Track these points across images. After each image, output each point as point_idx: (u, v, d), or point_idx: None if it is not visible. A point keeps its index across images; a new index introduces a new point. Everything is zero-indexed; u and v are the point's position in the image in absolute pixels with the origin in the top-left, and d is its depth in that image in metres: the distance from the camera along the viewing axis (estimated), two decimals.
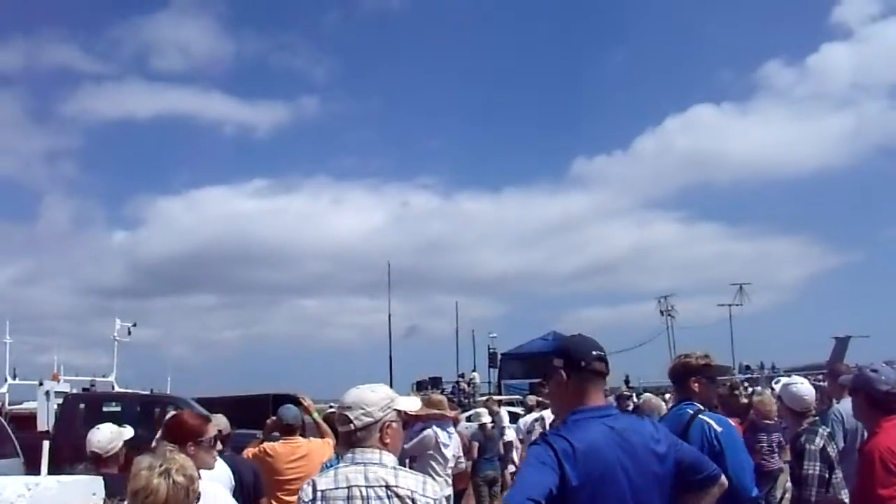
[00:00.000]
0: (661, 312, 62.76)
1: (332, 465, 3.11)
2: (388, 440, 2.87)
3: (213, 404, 13.21)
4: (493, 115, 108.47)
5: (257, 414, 10.38)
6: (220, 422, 5.97)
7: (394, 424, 2.91)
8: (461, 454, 8.51)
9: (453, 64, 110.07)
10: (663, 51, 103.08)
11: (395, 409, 2.94)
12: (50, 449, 5.06)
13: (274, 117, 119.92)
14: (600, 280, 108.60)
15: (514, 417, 15.17)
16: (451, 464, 7.31)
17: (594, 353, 2.79)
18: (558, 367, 2.78)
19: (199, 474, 2.81)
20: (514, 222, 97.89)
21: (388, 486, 2.76)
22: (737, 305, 60.95)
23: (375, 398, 2.91)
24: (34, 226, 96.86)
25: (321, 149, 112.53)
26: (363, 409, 2.87)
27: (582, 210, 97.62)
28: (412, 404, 3.19)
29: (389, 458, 2.85)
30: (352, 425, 2.87)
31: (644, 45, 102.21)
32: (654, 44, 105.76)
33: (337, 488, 2.76)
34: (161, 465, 2.66)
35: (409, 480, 2.81)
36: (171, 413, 4.10)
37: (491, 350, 46.86)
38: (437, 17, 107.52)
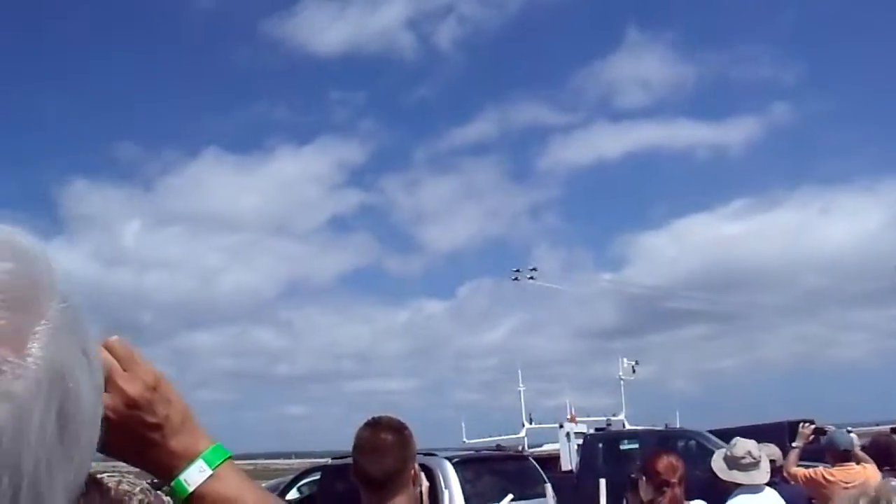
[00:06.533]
0: None
1: None
2: None
3: (727, 436, 12.55)
4: None
5: (773, 442, 9.78)
6: (772, 451, 5.63)
7: None
8: None
9: None
10: None
11: None
12: (575, 487, 5.01)
13: (746, 132, 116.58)
14: None
15: None
16: None
17: None
18: None
19: None
20: None
21: None
22: None
23: None
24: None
25: (801, 155, 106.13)
26: None
27: None
28: None
29: None
30: None
31: None
32: None
33: None
34: None
35: None
36: None
37: None
38: None
